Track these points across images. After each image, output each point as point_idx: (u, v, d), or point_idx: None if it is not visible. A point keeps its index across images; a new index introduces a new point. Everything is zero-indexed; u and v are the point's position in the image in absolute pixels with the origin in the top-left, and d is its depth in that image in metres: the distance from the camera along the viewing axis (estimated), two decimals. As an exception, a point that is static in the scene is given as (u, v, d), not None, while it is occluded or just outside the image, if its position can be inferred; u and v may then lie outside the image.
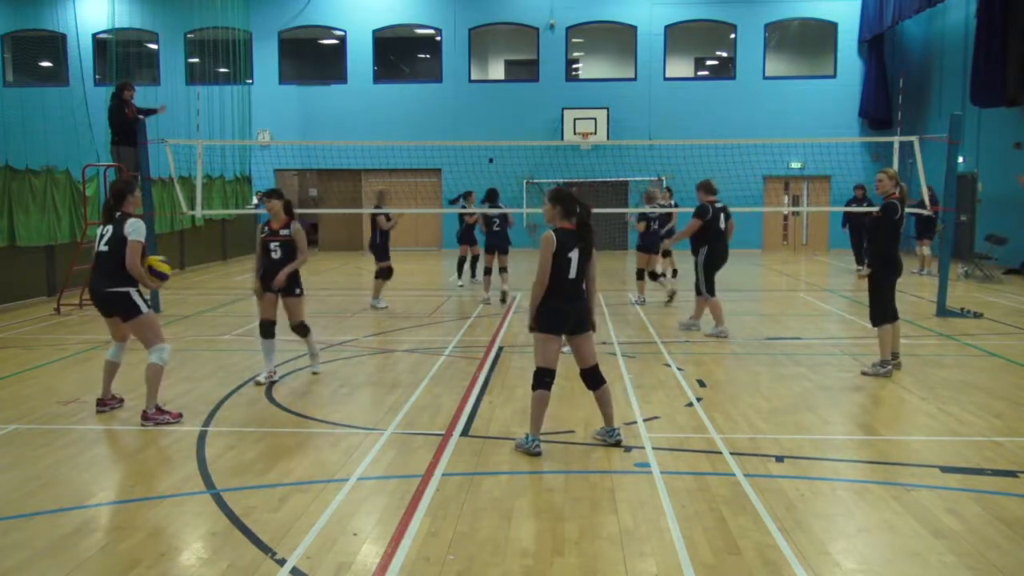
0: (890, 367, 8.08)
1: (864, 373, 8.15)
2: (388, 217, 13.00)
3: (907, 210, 8.58)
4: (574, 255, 5.68)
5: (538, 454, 5.72)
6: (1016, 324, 11.23)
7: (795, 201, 25.22)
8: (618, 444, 5.90)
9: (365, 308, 13.06)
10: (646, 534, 4.43)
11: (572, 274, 5.70)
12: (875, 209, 8.28)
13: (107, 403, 6.93)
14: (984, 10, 18.31)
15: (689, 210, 11.48)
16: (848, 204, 18.51)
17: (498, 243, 13.61)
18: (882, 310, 8.09)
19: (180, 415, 6.64)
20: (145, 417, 6.51)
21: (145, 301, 6.54)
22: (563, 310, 5.72)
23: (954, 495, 4.97)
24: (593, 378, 5.92)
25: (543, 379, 5.76)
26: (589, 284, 5.87)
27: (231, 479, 5.33)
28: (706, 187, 10.75)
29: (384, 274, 13.05)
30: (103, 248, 6.49)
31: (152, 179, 13.17)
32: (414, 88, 26.23)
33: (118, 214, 6.54)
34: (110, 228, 6.50)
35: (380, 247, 12.98)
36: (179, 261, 19.38)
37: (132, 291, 6.44)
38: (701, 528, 4.49)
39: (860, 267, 18.24)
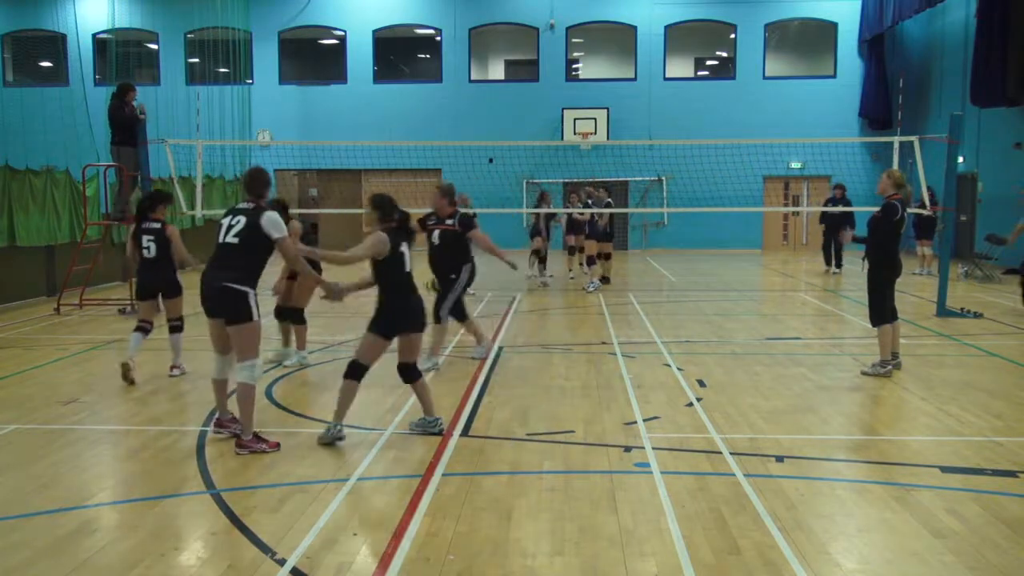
0: (890, 367, 8.08)
1: (864, 373, 8.15)
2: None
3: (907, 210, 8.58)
4: (405, 248, 6.00)
5: (342, 438, 5.92)
6: (1016, 324, 11.23)
7: (795, 201, 25.24)
8: (440, 433, 6.06)
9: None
10: (646, 534, 4.43)
11: (408, 267, 6.00)
12: (876, 209, 8.28)
13: (224, 425, 6.15)
14: (984, 10, 18.32)
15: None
16: (826, 204, 18.54)
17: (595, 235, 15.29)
18: (881, 310, 8.09)
19: (278, 444, 5.86)
20: (240, 444, 5.78)
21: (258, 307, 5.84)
22: (403, 309, 5.96)
23: (954, 495, 4.97)
24: (408, 373, 6.13)
25: (357, 371, 5.97)
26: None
27: (231, 479, 5.33)
28: (454, 192, 8.89)
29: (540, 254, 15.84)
30: (232, 239, 5.75)
31: (152, 179, 13.17)
32: (414, 88, 26.25)
33: (252, 206, 5.83)
34: (241, 219, 5.76)
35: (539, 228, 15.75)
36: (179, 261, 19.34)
37: (251, 293, 5.75)
38: (701, 528, 4.49)
39: (829, 267, 18.33)
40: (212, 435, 6.21)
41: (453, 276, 8.55)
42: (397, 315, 5.97)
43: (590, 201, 15.70)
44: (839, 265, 18.23)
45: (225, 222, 5.81)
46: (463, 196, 15.40)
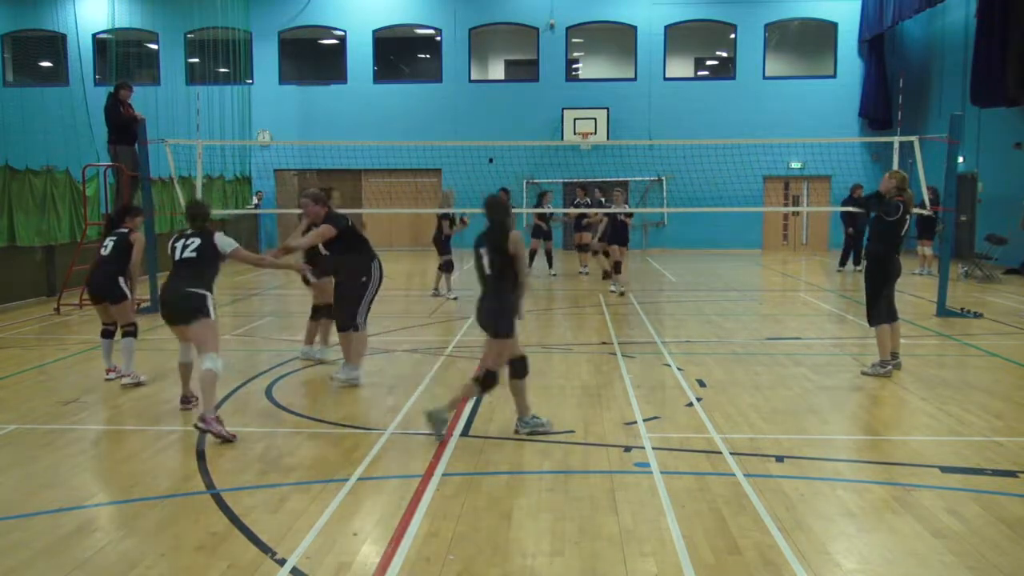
0: (890, 367, 8.08)
1: (864, 373, 8.15)
2: (452, 222, 14.30)
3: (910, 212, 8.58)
4: (484, 252, 6.07)
5: (545, 430, 6.18)
6: (1016, 324, 11.24)
7: (795, 201, 25.24)
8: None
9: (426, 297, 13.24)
10: (646, 534, 4.43)
11: (487, 269, 6.07)
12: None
13: (191, 399, 6.95)
14: (984, 10, 18.32)
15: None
16: (844, 204, 18.51)
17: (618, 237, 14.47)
18: (878, 310, 8.09)
19: (235, 436, 6.07)
20: (204, 420, 5.98)
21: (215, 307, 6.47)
22: (481, 308, 6.18)
23: (954, 495, 4.97)
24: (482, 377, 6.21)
25: (515, 367, 6.17)
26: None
27: (231, 479, 5.33)
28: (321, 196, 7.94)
29: (447, 267, 14.09)
30: (191, 254, 6.44)
31: (152, 179, 13.17)
32: (414, 88, 26.24)
33: (201, 230, 6.64)
34: (195, 239, 6.51)
35: (443, 242, 14.11)
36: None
37: (209, 296, 6.37)
38: (701, 528, 4.50)
39: (843, 268, 18.40)
40: (199, 427, 6.07)
41: (364, 279, 7.67)
42: (479, 313, 6.18)
43: (602, 199, 15.25)
44: (857, 263, 18.17)
45: (179, 245, 6.52)
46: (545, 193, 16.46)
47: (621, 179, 24.42)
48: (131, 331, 8.02)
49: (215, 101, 23.98)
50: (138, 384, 7.79)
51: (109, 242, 8.13)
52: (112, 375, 8.02)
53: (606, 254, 15.14)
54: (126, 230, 8.17)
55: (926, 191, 12.60)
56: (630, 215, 14.66)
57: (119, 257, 8.01)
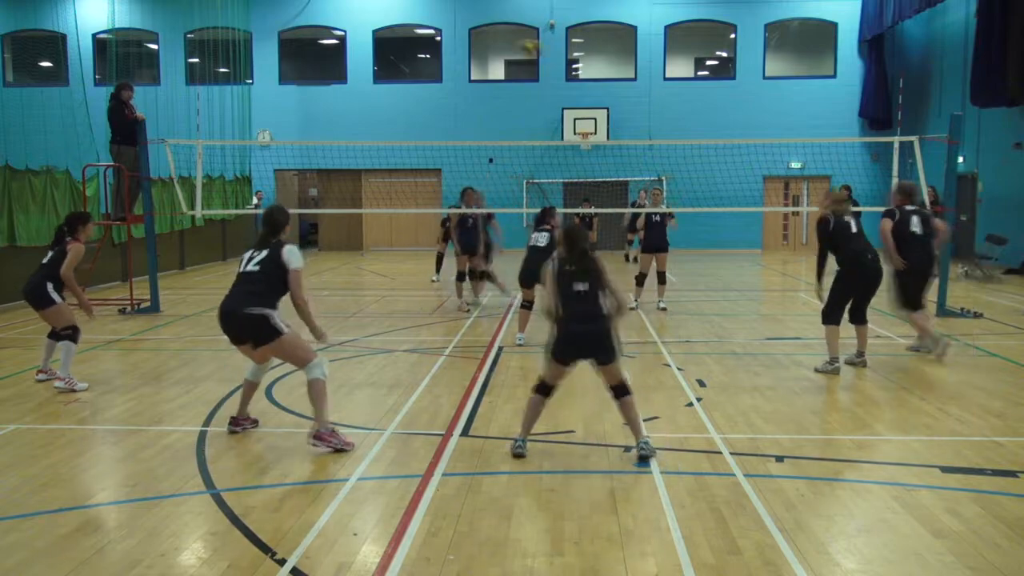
0: (837, 365, 8.27)
1: (848, 362, 8.17)
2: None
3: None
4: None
5: (521, 456, 5.64)
6: (1016, 324, 11.23)
7: (795, 201, 25.24)
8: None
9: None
10: (646, 534, 4.43)
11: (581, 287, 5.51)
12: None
13: (240, 423, 6.29)
14: (984, 10, 18.32)
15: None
16: None
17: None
18: (831, 310, 8.42)
19: (352, 443, 5.89)
20: (318, 437, 5.78)
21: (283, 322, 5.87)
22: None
23: (954, 495, 4.97)
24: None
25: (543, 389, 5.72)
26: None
27: (231, 479, 5.33)
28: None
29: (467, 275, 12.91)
30: (252, 268, 5.90)
31: (152, 179, 13.16)
32: (414, 88, 26.25)
33: (274, 240, 6.02)
34: (264, 251, 5.94)
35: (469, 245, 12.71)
36: (179, 261, 19.39)
37: (272, 314, 5.82)
38: (701, 528, 4.49)
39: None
40: (219, 432, 6.13)
41: None
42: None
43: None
44: None
45: (246, 257, 6.02)
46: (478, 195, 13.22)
47: (621, 179, 24.47)
48: (69, 335, 7.81)
49: (215, 101, 23.97)
50: (72, 391, 7.55)
51: (49, 251, 7.92)
52: (42, 376, 7.93)
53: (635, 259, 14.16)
54: (70, 239, 7.91)
55: (926, 191, 12.60)
56: (671, 215, 12.58)
57: (53, 266, 7.80)
